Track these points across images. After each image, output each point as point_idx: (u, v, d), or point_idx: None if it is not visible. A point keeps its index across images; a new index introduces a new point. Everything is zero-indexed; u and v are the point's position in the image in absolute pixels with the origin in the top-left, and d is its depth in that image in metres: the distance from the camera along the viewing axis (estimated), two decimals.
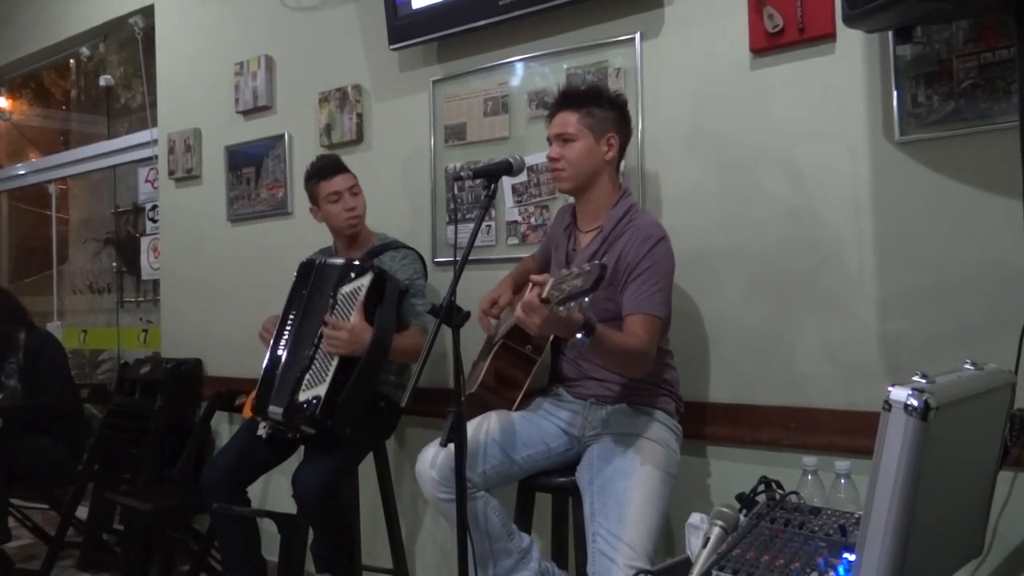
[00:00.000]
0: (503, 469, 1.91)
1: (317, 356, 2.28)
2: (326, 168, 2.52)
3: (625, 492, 1.74)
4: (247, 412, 2.54)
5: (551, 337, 1.97)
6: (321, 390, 2.22)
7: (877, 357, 1.90)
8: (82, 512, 3.45)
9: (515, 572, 1.89)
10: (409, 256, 2.52)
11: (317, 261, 2.46)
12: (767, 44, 2.03)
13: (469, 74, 2.64)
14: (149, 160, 3.87)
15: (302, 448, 2.44)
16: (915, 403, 1.02)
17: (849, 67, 1.94)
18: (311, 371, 2.27)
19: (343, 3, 3.00)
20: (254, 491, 2.50)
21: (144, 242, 3.99)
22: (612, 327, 1.73)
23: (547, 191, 2.45)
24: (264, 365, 2.39)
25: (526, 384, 2.00)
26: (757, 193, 2.07)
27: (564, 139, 1.93)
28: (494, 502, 1.89)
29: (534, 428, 1.96)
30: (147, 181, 3.98)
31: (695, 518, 1.50)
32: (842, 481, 1.55)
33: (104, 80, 4.24)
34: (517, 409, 2.01)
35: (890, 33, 1.83)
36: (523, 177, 2.46)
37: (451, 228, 2.64)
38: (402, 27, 2.67)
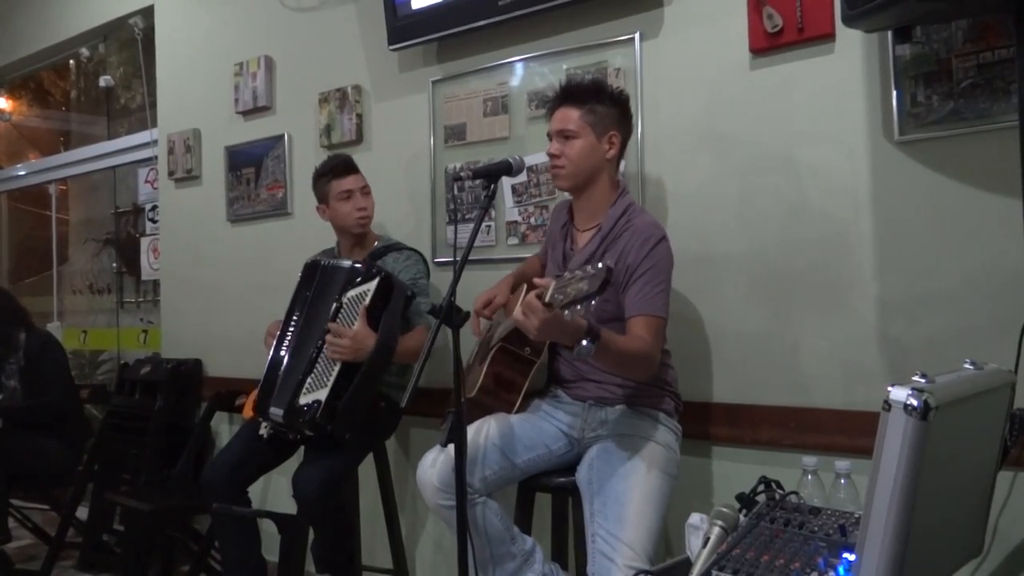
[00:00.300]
0: (504, 473, 1.90)
1: (319, 360, 2.27)
2: (339, 167, 2.52)
3: (625, 492, 1.73)
4: (247, 412, 2.54)
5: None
6: (322, 394, 2.22)
7: (877, 357, 1.89)
8: (82, 512, 3.45)
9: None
10: (412, 257, 2.52)
11: (323, 263, 2.44)
12: (766, 44, 2.03)
13: (469, 74, 2.64)
14: (149, 161, 3.87)
15: (302, 448, 2.44)
16: (915, 403, 1.02)
17: (848, 67, 1.94)
18: (312, 375, 2.26)
19: (343, 3, 3.00)
20: (254, 491, 2.50)
21: (144, 242, 3.99)
22: (611, 328, 1.70)
23: (547, 191, 2.45)
24: (266, 365, 2.39)
25: (525, 386, 1.98)
26: (757, 193, 2.07)
27: (565, 135, 1.90)
28: (494, 504, 1.88)
29: (534, 430, 1.95)
30: (147, 181, 3.98)
31: (695, 518, 1.50)
32: (842, 481, 1.55)
33: (104, 81, 4.24)
34: (516, 412, 1.99)
35: (889, 33, 1.83)
36: (523, 177, 2.46)
37: (451, 228, 2.64)
38: (402, 27, 2.67)
